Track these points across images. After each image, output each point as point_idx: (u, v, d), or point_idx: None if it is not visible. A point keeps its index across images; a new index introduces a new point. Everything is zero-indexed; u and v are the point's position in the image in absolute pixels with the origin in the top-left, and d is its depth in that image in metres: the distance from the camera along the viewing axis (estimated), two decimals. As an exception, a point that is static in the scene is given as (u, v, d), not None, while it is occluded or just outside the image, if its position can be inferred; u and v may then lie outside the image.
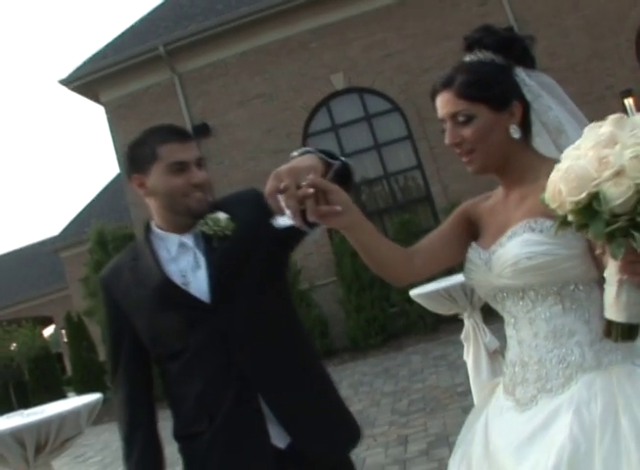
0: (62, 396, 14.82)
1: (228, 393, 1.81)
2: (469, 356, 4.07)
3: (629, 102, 11.18)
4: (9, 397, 17.42)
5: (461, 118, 1.53)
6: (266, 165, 9.73)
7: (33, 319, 22.14)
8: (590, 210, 1.11)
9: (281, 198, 1.34)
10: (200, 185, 1.87)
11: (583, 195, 1.11)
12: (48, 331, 28.29)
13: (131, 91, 12.68)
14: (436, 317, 8.71)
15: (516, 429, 1.46)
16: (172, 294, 1.85)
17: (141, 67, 12.46)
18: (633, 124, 1.15)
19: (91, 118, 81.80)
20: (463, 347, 4.16)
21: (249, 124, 12.17)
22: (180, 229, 1.92)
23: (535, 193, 1.44)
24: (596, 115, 1.41)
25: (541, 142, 1.60)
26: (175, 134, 1.88)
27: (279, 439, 1.83)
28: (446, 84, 1.56)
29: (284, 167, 1.36)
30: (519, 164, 1.57)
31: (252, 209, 1.88)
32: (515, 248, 1.47)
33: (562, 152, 1.27)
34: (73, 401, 3.19)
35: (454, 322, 5.33)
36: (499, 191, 1.67)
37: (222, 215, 1.91)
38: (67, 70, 22.85)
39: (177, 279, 1.86)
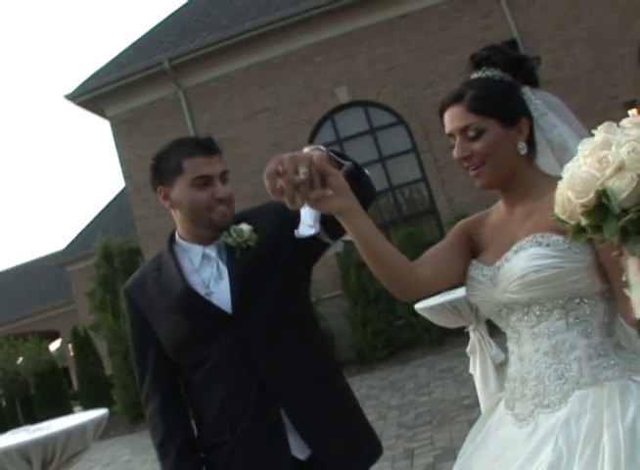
0: (68, 410, 14.82)
1: (250, 402, 1.82)
2: (476, 369, 4.06)
3: (633, 113, 11.18)
4: (15, 411, 17.40)
5: (471, 133, 1.54)
6: (271, 179, 9.70)
7: (40, 334, 22.18)
8: (600, 209, 1.13)
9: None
10: (224, 199, 1.89)
11: (591, 195, 1.13)
12: (54, 345, 28.30)
13: (136, 106, 12.73)
14: (442, 330, 8.67)
15: (516, 445, 1.46)
16: (195, 304, 1.87)
17: (146, 81, 12.52)
18: (623, 126, 1.18)
19: (97, 133, 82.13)
20: (469, 359, 4.16)
21: (254, 138, 12.20)
22: (204, 241, 1.94)
23: (541, 209, 1.45)
24: (601, 126, 1.41)
25: (544, 161, 1.61)
26: (200, 148, 1.90)
27: (299, 450, 1.83)
28: (456, 99, 1.57)
29: (287, 154, 1.36)
30: (524, 180, 1.58)
31: (275, 221, 1.90)
32: (522, 261, 1.48)
33: None
34: (80, 417, 3.18)
35: (460, 335, 5.32)
36: (499, 208, 1.67)
37: (245, 227, 1.93)
38: (72, 85, 23.01)
39: (200, 289, 1.88)
